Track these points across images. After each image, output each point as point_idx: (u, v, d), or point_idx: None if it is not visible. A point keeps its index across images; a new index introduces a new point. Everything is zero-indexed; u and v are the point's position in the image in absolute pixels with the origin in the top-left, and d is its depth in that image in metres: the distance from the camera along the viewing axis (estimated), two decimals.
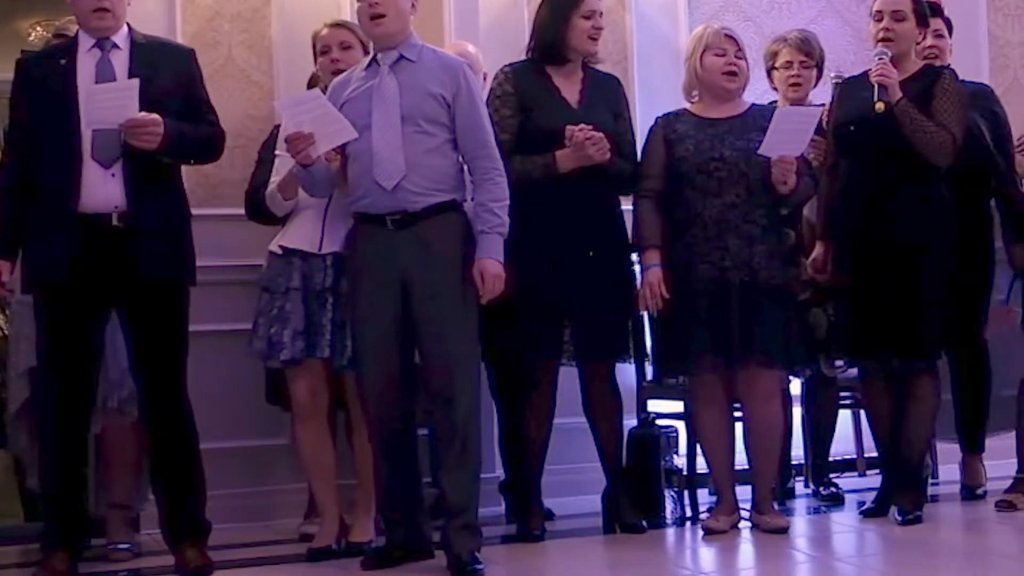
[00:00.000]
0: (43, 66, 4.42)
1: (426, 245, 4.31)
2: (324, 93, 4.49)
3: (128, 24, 4.44)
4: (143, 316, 4.36)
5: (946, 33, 5.41)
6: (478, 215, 4.34)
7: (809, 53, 5.36)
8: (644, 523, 4.90)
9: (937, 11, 5.43)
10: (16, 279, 4.42)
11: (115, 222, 4.26)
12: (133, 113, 4.20)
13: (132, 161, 4.27)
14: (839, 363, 5.22)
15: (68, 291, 4.27)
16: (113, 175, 4.28)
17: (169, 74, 4.37)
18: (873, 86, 4.82)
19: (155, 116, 4.23)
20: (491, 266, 4.29)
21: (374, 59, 4.43)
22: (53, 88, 4.32)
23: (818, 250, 5.06)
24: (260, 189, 4.83)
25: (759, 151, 4.69)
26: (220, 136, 4.55)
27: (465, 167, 4.39)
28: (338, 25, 4.82)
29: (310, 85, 5.08)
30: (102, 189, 4.26)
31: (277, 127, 4.91)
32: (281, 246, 4.62)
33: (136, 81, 4.23)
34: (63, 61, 4.36)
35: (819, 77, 5.42)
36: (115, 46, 4.38)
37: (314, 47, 4.90)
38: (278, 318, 4.56)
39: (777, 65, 5.37)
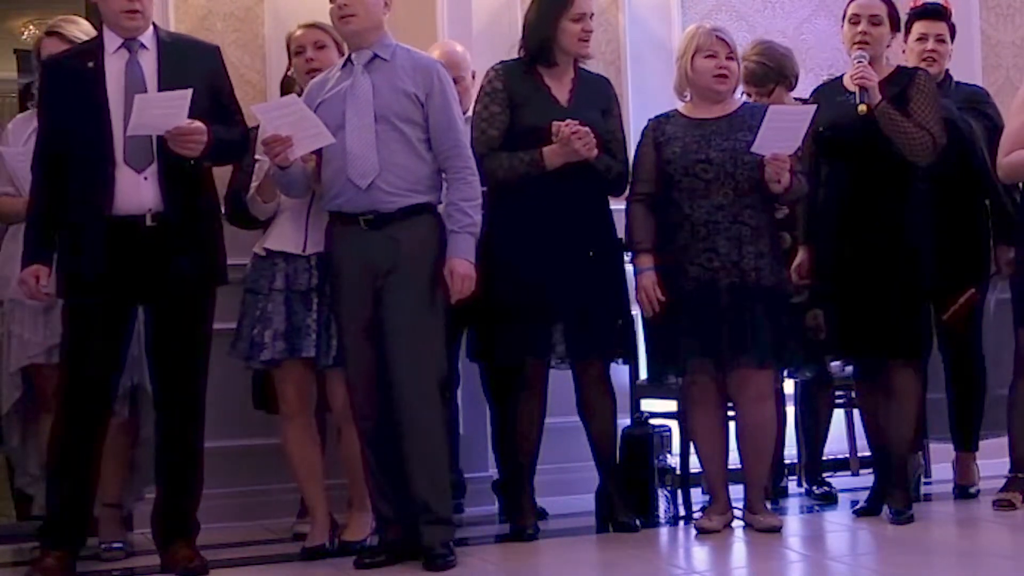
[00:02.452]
0: (69, 68, 4.38)
1: (397, 246, 4.33)
2: (300, 94, 4.52)
3: (153, 23, 4.44)
4: (170, 316, 4.36)
5: (948, 38, 5.41)
6: (449, 214, 4.37)
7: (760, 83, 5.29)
8: (638, 522, 4.90)
9: (944, 15, 5.44)
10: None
11: (149, 222, 4.27)
12: (181, 121, 4.20)
13: (165, 165, 4.28)
14: (836, 363, 5.24)
15: (101, 294, 4.27)
16: (146, 179, 4.28)
17: (198, 74, 4.35)
18: (849, 90, 4.85)
19: (200, 125, 4.24)
20: (460, 266, 4.32)
21: (349, 59, 4.45)
22: (82, 91, 4.31)
23: (802, 255, 5.07)
24: (239, 192, 4.85)
25: (752, 149, 4.69)
26: (247, 136, 4.56)
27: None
28: (312, 26, 4.81)
29: (283, 85, 5.09)
30: (135, 193, 4.27)
31: (254, 129, 4.91)
32: (265, 248, 4.62)
33: (189, 91, 4.21)
34: (91, 64, 4.33)
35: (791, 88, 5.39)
36: (142, 46, 4.37)
37: (288, 48, 4.90)
38: (260, 319, 4.56)
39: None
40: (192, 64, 4.40)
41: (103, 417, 4.38)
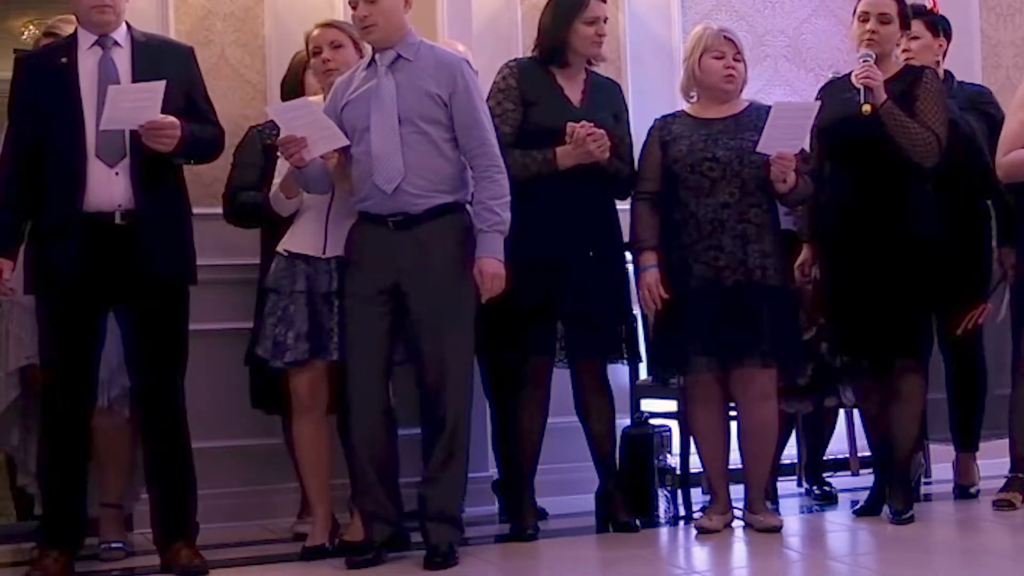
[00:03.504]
0: (43, 64, 4.40)
1: (423, 247, 4.34)
2: (328, 90, 4.55)
3: (127, 22, 4.44)
4: (143, 315, 4.36)
5: (926, 34, 5.37)
6: (477, 213, 4.37)
7: None
8: (638, 522, 4.90)
9: (918, 12, 5.41)
10: (16, 278, 4.41)
11: (118, 220, 4.27)
12: (154, 115, 4.21)
13: (137, 160, 4.28)
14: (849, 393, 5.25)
15: (71, 290, 4.27)
16: (117, 174, 4.28)
17: (171, 74, 4.34)
18: (856, 88, 4.83)
19: (173, 119, 4.24)
20: (490, 265, 4.32)
21: (373, 59, 4.45)
22: (55, 87, 4.31)
23: (805, 253, 5.07)
24: (237, 192, 4.85)
25: (757, 149, 4.69)
26: (222, 136, 4.57)
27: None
28: (328, 25, 4.82)
29: (284, 83, 5.09)
30: (106, 188, 4.26)
31: (252, 128, 4.92)
32: (286, 250, 4.63)
33: (162, 83, 4.21)
34: (64, 59, 4.34)
35: None
36: (116, 43, 4.37)
37: (307, 47, 4.92)
38: (283, 319, 4.56)
39: None
40: (166, 64, 4.39)
41: (85, 415, 4.38)
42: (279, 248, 4.65)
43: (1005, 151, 5.03)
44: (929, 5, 5.54)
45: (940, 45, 5.44)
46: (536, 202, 4.71)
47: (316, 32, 4.83)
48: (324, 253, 4.58)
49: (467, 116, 4.38)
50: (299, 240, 4.62)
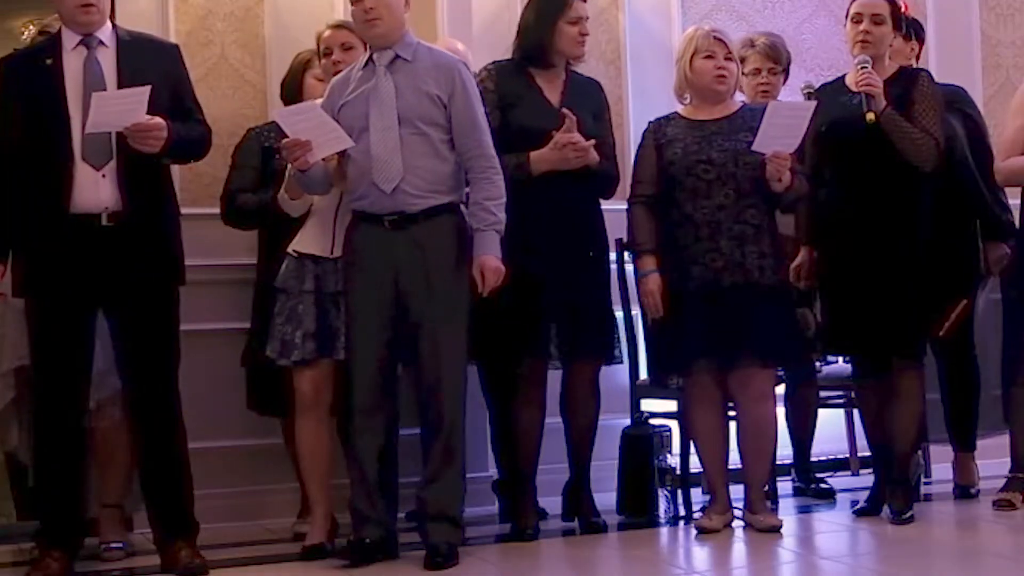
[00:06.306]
0: (27, 66, 4.38)
1: (420, 246, 4.35)
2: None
3: (112, 21, 4.43)
4: (132, 317, 4.35)
5: (897, 37, 5.36)
6: (474, 213, 4.39)
7: (776, 59, 5.35)
8: (603, 522, 4.89)
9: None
10: (6, 281, 4.41)
11: (105, 222, 4.26)
12: (139, 118, 4.19)
13: (123, 162, 4.27)
14: (818, 362, 5.25)
15: (59, 293, 4.27)
16: (103, 176, 4.27)
17: (157, 72, 4.34)
18: (853, 93, 4.83)
19: (160, 120, 4.23)
20: (490, 260, 4.34)
21: (370, 59, 4.45)
22: (40, 89, 4.30)
23: (802, 256, 5.07)
24: (235, 194, 4.85)
25: (753, 147, 4.69)
26: (210, 135, 4.57)
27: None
28: (339, 26, 4.82)
29: (284, 83, 5.08)
30: (92, 190, 4.26)
31: (251, 130, 4.92)
32: (295, 250, 4.63)
33: (147, 88, 4.19)
34: (49, 61, 4.32)
35: (786, 79, 5.43)
36: (101, 43, 4.36)
37: (318, 48, 4.91)
38: (291, 319, 4.57)
39: (745, 71, 5.33)
40: (151, 62, 4.39)
41: (78, 416, 4.38)
42: (289, 249, 4.65)
43: (1004, 156, 5.04)
44: (902, 8, 5.54)
45: (912, 48, 5.43)
46: (522, 203, 4.69)
47: (328, 33, 4.83)
48: (332, 253, 4.59)
49: (466, 118, 4.40)
50: (308, 241, 4.63)
